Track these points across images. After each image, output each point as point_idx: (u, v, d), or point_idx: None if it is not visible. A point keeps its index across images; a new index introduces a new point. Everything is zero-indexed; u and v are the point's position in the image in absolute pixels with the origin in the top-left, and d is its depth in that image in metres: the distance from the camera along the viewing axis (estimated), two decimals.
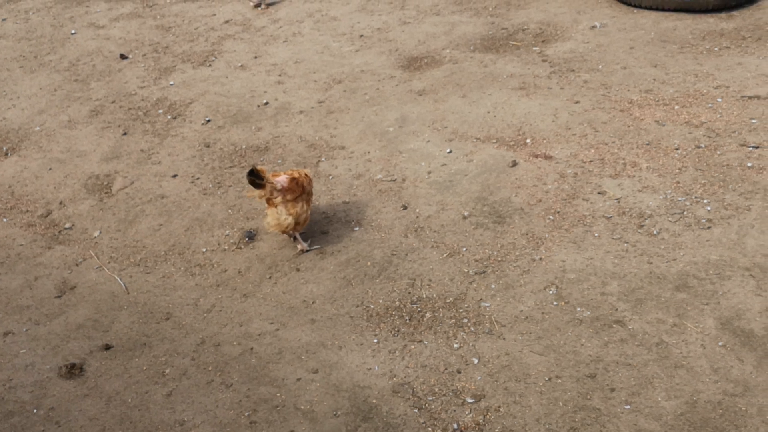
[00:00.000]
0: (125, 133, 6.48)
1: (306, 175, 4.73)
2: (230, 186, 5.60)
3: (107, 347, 4.26)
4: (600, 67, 6.54)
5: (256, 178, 4.45)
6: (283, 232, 4.75)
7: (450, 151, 5.61)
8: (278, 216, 4.60)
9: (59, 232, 5.36)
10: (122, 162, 6.08)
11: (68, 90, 7.35)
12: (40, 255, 5.13)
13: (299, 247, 4.84)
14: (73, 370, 4.09)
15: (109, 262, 5.00)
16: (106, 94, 7.23)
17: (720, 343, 3.80)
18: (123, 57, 8.02)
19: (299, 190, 4.62)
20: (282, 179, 4.59)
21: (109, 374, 4.08)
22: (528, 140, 5.63)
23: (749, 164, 5.04)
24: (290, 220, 4.61)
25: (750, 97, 5.79)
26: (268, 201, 4.63)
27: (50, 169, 6.07)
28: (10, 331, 4.45)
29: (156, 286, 4.74)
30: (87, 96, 7.23)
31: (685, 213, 4.71)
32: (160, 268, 4.91)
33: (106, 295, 4.70)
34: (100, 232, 5.30)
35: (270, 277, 4.70)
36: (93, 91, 7.31)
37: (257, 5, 8.90)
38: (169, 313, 4.51)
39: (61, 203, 5.66)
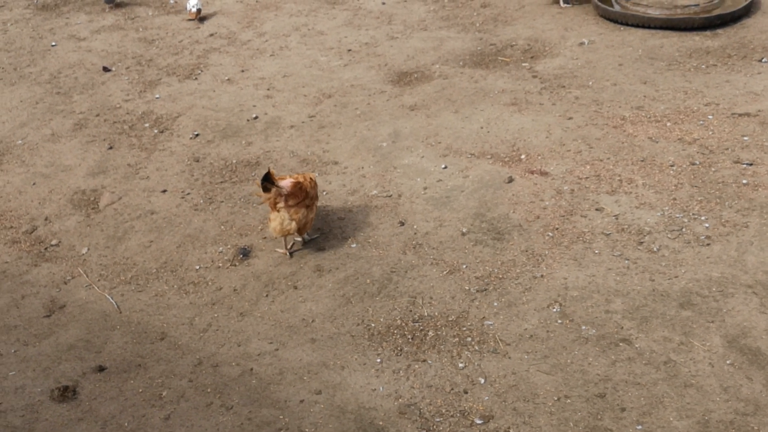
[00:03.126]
0: (111, 147, 6.35)
1: (311, 179, 4.69)
2: (222, 201, 5.49)
3: (101, 369, 4.12)
4: (590, 83, 6.57)
5: (267, 183, 4.46)
6: (285, 236, 4.78)
7: (445, 167, 5.57)
8: (282, 221, 4.61)
9: (45, 249, 5.21)
10: (109, 177, 5.94)
11: (50, 103, 7.19)
12: (27, 273, 4.97)
13: (300, 239, 4.91)
14: (66, 393, 3.94)
15: (98, 280, 4.86)
16: (90, 107, 7.08)
17: (728, 362, 3.78)
18: (106, 69, 7.88)
19: (302, 195, 4.60)
20: (286, 183, 4.56)
21: (104, 397, 3.94)
22: (523, 156, 5.62)
23: (744, 181, 5.07)
24: (293, 225, 4.64)
25: (740, 115, 5.84)
26: (272, 205, 4.58)
27: (34, 183, 5.91)
28: None
29: (149, 305, 4.62)
30: (70, 109, 7.08)
31: (684, 230, 4.71)
32: (152, 286, 4.78)
33: (97, 314, 4.56)
34: (89, 249, 5.16)
35: (267, 295, 4.60)
36: (76, 104, 7.16)
37: (193, 18, 8.80)
38: (164, 332, 4.38)
39: (46, 219, 5.51)
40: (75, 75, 7.80)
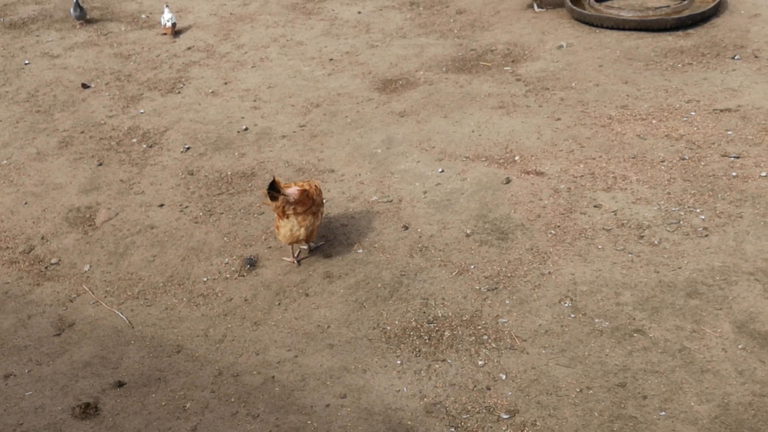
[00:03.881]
0: (101, 164, 6.29)
1: (316, 186, 4.73)
2: (222, 213, 5.49)
3: (120, 384, 4.09)
4: (573, 84, 6.73)
5: (274, 191, 4.48)
6: (293, 243, 4.81)
7: (442, 171, 5.65)
8: (291, 228, 4.65)
9: (46, 267, 5.14)
10: (102, 193, 5.88)
11: (31, 121, 7.09)
12: (30, 293, 4.90)
13: (306, 247, 4.96)
14: (88, 410, 3.91)
15: (105, 297, 4.82)
16: (74, 124, 7.00)
17: (740, 346, 3.92)
18: (85, 86, 7.79)
19: (309, 202, 4.63)
20: (293, 191, 4.59)
21: (127, 412, 3.91)
22: (517, 157, 5.73)
23: (734, 173, 5.25)
24: (303, 231, 4.67)
25: (722, 110, 6.05)
26: (280, 213, 4.61)
27: (26, 203, 5.83)
28: (10, 374, 4.23)
29: (161, 319, 4.59)
30: (53, 127, 6.99)
31: (681, 222, 4.87)
32: (160, 299, 4.76)
33: (109, 330, 4.52)
34: (91, 266, 5.11)
35: (279, 304, 4.61)
36: (59, 122, 7.07)
37: (168, 33, 8.77)
38: (180, 345, 4.37)
39: (43, 238, 5.43)
40: (53, 93, 7.71)
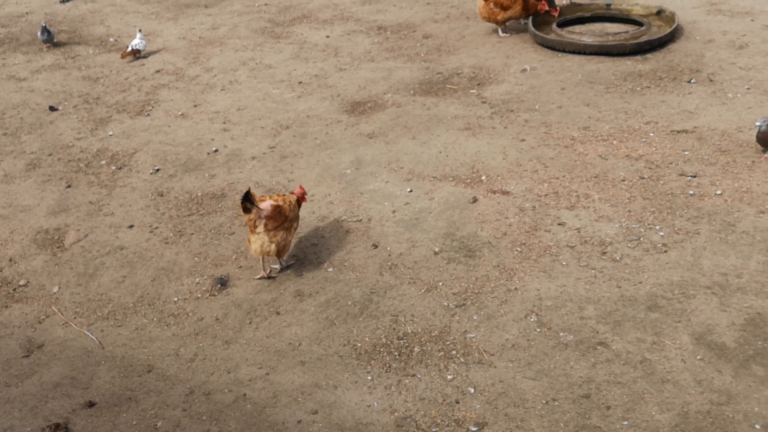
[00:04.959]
0: (69, 186, 6.29)
1: (290, 201, 4.81)
2: (192, 234, 5.52)
3: (90, 404, 4.09)
4: (537, 106, 6.91)
5: (248, 203, 4.55)
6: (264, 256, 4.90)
7: (410, 191, 5.76)
8: (262, 243, 4.72)
9: (14, 289, 5.12)
10: (71, 215, 5.88)
11: None
12: None
13: (278, 266, 5.03)
14: (58, 431, 3.90)
15: (74, 318, 4.82)
16: (41, 146, 6.99)
17: (698, 357, 4.06)
18: (52, 109, 7.79)
19: (281, 219, 4.71)
20: (266, 206, 4.67)
21: None
22: (483, 177, 5.86)
23: (691, 192, 5.44)
24: (273, 247, 4.76)
25: (678, 131, 6.26)
26: (251, 227, 4.69)
27: None
28: None
29: (131, 339, 4.60)
30: (20, 149, 6.97)
31: (642, 239, 5.02)
32: (131, 320, 4.77)
33: (79, 351, 4.52)
34: (60, 288, 5.10)
35: (250, 323, 4.66)
36: (26, 145, 7.06)
37: (130, 54, 8.83)
38: (150, 365, 4.38)
39: (10, 260, 5.41)
40: (20, 115, 7.69)
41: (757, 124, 5.61)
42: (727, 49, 7.69)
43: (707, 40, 7.96)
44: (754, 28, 8.15)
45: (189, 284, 5.02)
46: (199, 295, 4.92)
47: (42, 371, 4.37)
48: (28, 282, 5.19)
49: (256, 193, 5.87)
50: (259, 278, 4.96)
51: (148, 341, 4.57)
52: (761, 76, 7.06)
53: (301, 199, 5.02)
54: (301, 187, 5.06)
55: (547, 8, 8.34)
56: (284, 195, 4.87)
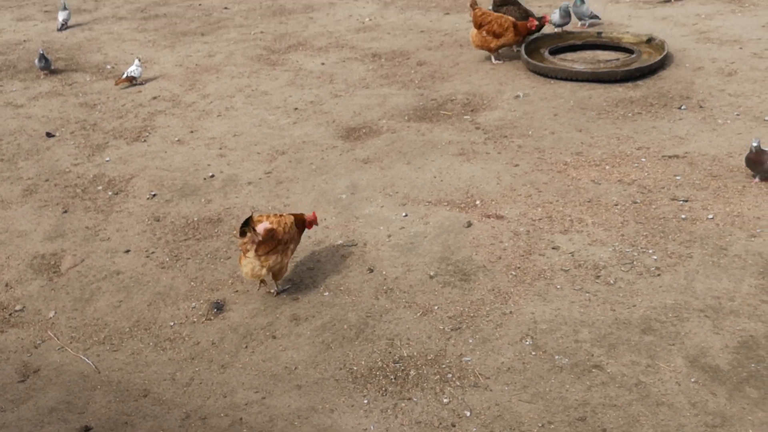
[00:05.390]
0: (66, 211, 6.31)
1: (286, 223, 4.85)
2: (189, 258, 5.55)
3: (86, 429, 4.09)
4: (530, 132, 6.99)
5: (246, 228, 4.61)
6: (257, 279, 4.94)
7: (406, 215, 5.81)
8: (253, 267, 4.78)
9: (10, 314, 5.13)
10: (68, 240, 5.90)
11: None
12: None
13: (273, 291, 5.06)
14: None
15: (71, 342, 4.82)
16: (38, 172, 7.03)
17: (692, 380, 4.09)
18: (49, 135, 7.84)
19: (273, 244, 4.74)
20: (261, 229, 4.72)
21: None
22: (477, 202, 5.92)
23: (683, 216, 5.50)
24: (264, 271, 4.80)
25: (670, 157, 6.34)
26: (244, 250, 4.76)
27: None
28: None
29: (127, 364, 4.60)
30: (17, 175, 7.01)
31: (635, 263, 5.07)
32: (127, 344, 4.78)
33: (75, 375, 4.51)
34: (56, 312, 5.11)
35: (246, 347, 4.67)
36: (23, 170, 7.10)
37: (125, 81, 8.90)
38: (147, 389, 4.38)
39: (7, 285, 5.42)
40: (17, 141, 7.74)
41: (754, 144, 5.63)
42: (716, 76, 7.81)
43: (697, 67, 8.09)
44: (742, 55, 8.29)
45: (185, 309, 5.04)
46: (195, 320, 4.93)
47: (38, 396, 4.36)
48: (24, 307, 5.19)
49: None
50: (272, 292, 5.05)
51: (144, 366, 4.58)
52: (750, 102, 7.17)
53: (307, 225, 5.05)
54: (314, 214, 5.11)
55: (536, 23, 8.41)
56: (282, 215, 4.90)
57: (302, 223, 5.04)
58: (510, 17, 8.42)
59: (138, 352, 4.71)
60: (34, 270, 5.58)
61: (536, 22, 8.40)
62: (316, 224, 5.16)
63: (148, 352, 4.70)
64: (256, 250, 4.72)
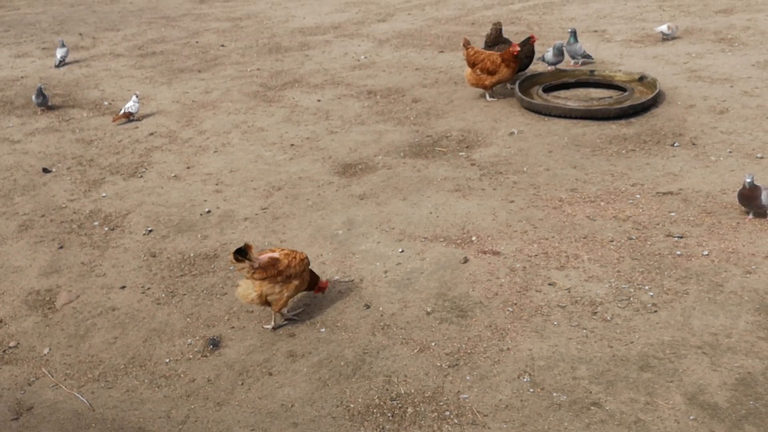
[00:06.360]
0: (61, 247, 6.30)
1: (295, 257, 4.88)
2: (185, 294, 5.53)
3: None
4: (525, 169, 7.04)
5: (239, 255, 4.66)
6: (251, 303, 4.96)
7: (402, 251, 5.81)
8: (245, 288, 4.85)
9: (4, 351, 5.09)
10: (63, 276, 5.88)
11: None
12: None
13: (270, 325, 5.07)
14: None
15: (65, 380, 4.78)
16: (34, 208, 7.03)
17: (691, 417, 4.07)
18: (46, 171, 7.86)
19: (272, 271, 4.78)
20: (263, 258, 4.79)
21: None
22: (473, 238, 5.94)
23: (678, 252, 5.53)
24: (254, 295, 4.83)
25: (664, 193, 6.39)
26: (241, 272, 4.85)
27: None
28: None
29: (121, 401, 4.56)
30: (13, 211, 7.00)
31: (632, 299, 5.08)
32: (122, 382, 4.74)
33: (69, 413, 4.47)
34: (50, 349, 5.07)
35: (242, 384, 4.63)
36: (18, 206, 7.09)
37: (122, 117, 8.94)
38: (141, 427, 4.34)
39: (1, 321, 5.39)
40: (13, 177, 7.75)
41: (747, 180, 5.66)
42: (708, 114, 7.91)
43: (689, 105, 8.19)
44: (733, 93, 8.41)
45: (181, 345, 5.01)
46: (191, 356, 4.90)
47: None
48: (18, 343, 5.16)
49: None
50: (263, 327, 5.06)
51: (139, 403, 4.53)
52: (742, 140, 7.26)
53: (316, 288, 5.13)
54: (327, 282, 5.21)
55: (518, 48, 8.40)
56: (295, 252, 4.93)
57: (316, 280, 5.11)
58: (499, 54, 8.49)
59: (133, 389, 4.66)
60: (28, 306, 5.55)
61: (518, 48, 8.37)
62: (323, 293, 5.27)
63: (143, 389, 4.66)
64: (252, 274, 4.77)
